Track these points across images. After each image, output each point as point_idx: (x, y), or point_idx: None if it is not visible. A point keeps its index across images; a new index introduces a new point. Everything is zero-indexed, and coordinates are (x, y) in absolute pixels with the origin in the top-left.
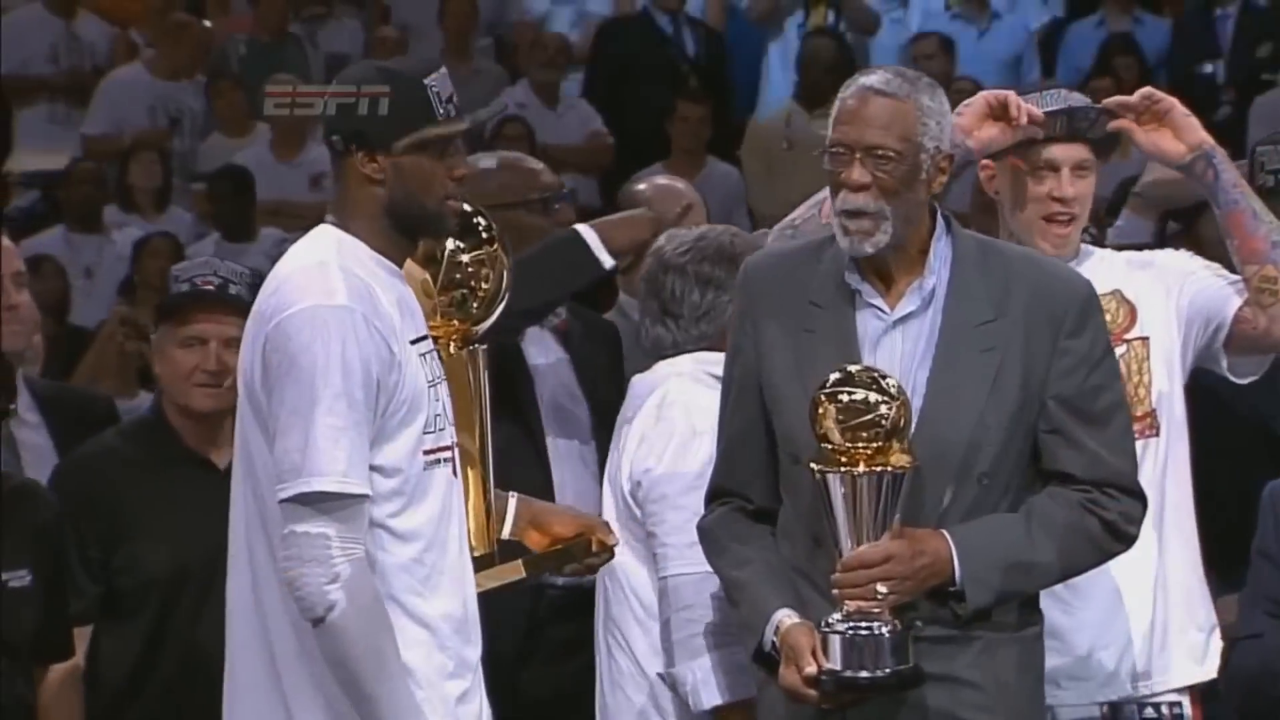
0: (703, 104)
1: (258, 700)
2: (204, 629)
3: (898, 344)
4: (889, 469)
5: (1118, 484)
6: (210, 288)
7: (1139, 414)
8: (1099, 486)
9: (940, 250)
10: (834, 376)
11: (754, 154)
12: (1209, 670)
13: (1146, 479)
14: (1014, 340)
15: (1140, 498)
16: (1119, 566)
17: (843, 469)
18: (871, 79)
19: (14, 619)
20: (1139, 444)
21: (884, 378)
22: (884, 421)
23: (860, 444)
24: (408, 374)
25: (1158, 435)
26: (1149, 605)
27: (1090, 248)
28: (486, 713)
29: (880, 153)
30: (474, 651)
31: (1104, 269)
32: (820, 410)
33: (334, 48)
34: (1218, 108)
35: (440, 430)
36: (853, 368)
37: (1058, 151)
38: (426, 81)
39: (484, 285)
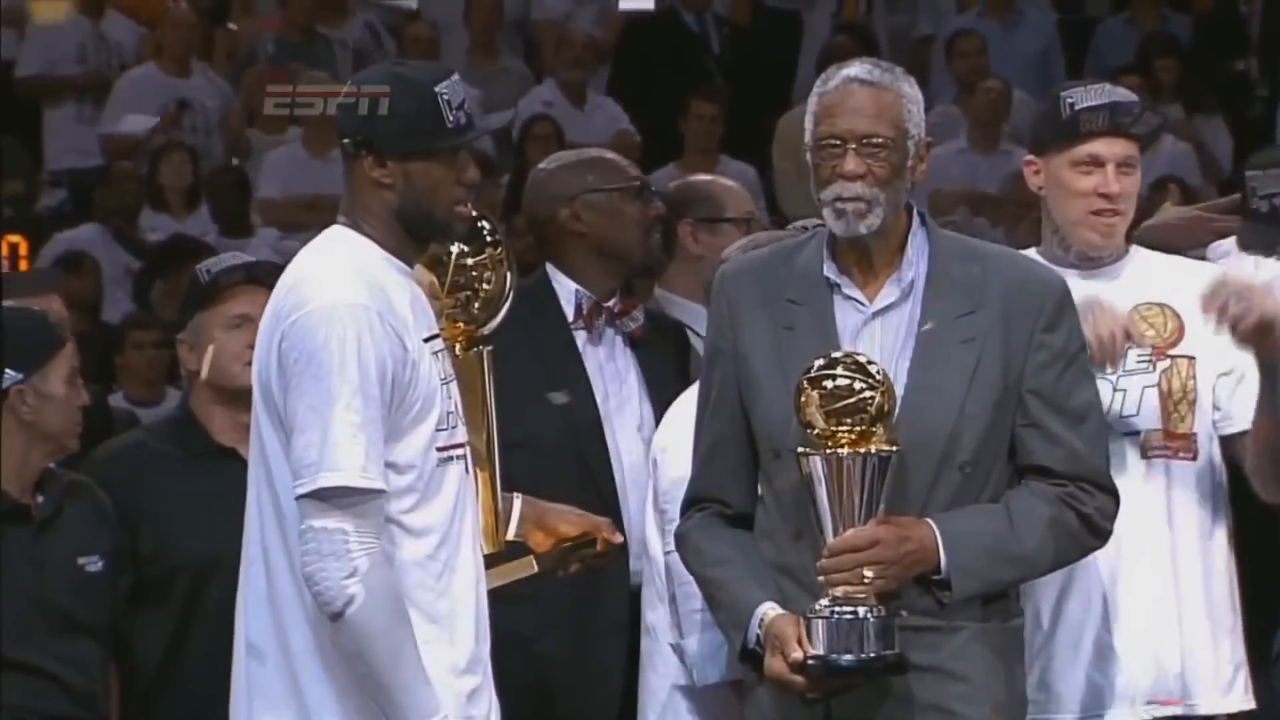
0: (716, 102)
1: (273, 693)
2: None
3: (877, 335)
4: (873, 452)
5: (1093, 480)
6: (241, 268)
7: (1179, 432)
8: (1075, 481)
9: (917, 243)
10: (818, 363)
11: (784, 152)
12: (1233, 703)
13: (1182, 504)
14: (993, 332)
15: (1114, 494)
16: (1144, 591)
17: (827, 451)
18: (852, 70)
19: (90, 602)
20: (1170, 465)
21: (869, 363)
22: (868, 407)
23: (844, 429)
24: (421, 371)
25: (1194, 459)
26: (1175, 632)
27: (1137, 248)
28: (495, 708)
29: (873, 141)
30: (484, 647)
31: (1151, 276)
32: (804, 397)
33: (361, 47)
34: (1251, 105)
35: (453, 428)
36: (837, 354)
37: (1102, 147)
38: (438, 90)
39: (486, 287)
